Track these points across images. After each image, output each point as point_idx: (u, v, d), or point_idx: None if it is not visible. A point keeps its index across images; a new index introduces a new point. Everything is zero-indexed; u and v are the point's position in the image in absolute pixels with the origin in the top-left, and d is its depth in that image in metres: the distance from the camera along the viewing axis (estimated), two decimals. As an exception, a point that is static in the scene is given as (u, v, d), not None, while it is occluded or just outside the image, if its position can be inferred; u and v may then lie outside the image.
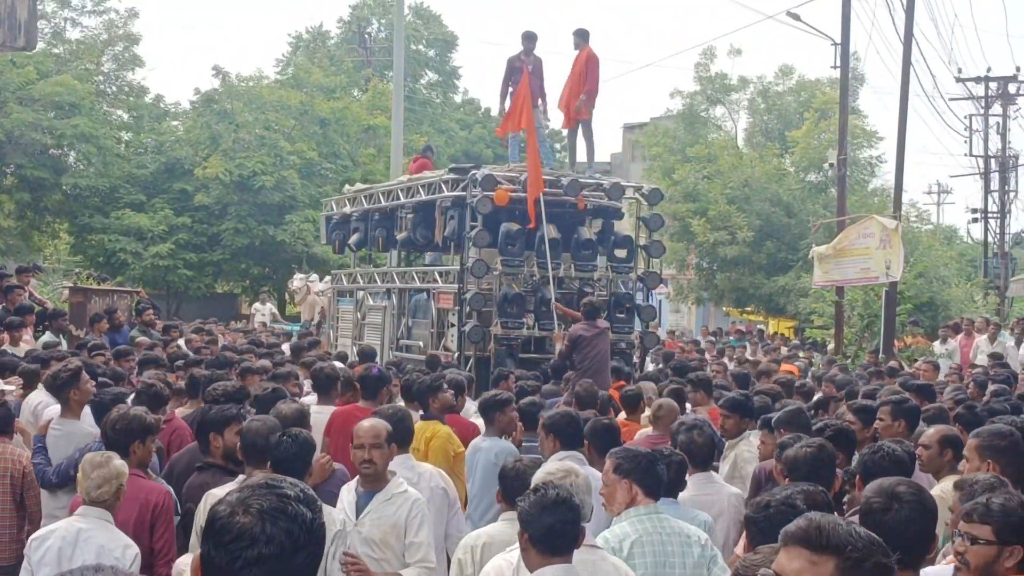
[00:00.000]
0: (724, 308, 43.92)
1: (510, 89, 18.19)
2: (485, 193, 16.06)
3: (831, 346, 27.40)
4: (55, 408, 8.98)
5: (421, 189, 18.21)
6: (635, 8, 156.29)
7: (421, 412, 9.45)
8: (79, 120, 37.89)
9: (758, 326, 40.67)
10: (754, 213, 37.12)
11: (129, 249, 38.39)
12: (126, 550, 5.46)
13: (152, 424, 6.65)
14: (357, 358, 15.29)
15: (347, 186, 24.58)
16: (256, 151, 39.67)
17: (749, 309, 41.58)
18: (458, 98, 59.73)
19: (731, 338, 32.58)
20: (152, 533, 6.19)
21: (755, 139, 47.03)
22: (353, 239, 20.73)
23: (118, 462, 5.93)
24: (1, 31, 18.22)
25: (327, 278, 27.45)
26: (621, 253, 17.62)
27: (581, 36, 17.78)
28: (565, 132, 21.24)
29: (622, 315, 16.86)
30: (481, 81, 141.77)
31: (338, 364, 12.81)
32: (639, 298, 17.94)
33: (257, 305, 34.70)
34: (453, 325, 16.87)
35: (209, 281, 42.48)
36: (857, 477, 6.09)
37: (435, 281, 17.80)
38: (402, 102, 30.94)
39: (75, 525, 5.69)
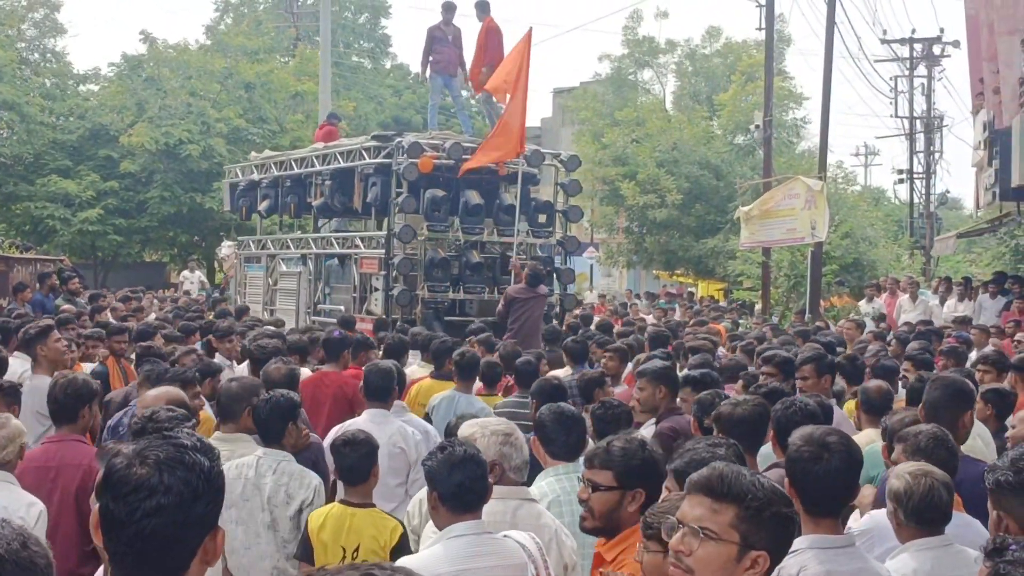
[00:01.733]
0: (654, 271, 44.16)
1: (433, 53, 18.87)
2: (411, 160, 16.40)
3: (758, 307, 27.71)
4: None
5: (339, 156, 18.41)
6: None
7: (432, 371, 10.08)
8: (1, 87, 37.21)
9: (688, 288, 40.99)
10: (683, 176, 37.32)
11: (57, 216, 37.79)
12: (30, 508, 5.42)
13: (97, 390, 6.69)
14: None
15: (253, 153, 24.65)
16: (183, 119, 39.20)
17: (679, 272, 41.86)
18: (388, 64, 59.36)
19: (661, 301, 32.80)
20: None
21: (683, 102, 47.23)
22: (263, 205, 20.98)
23: (16, 422, 5.86)
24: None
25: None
26: (541, 218, 18.08)
27: (481, 8, 18.55)
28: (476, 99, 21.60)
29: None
30: (412, 48, 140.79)
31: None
32: (558, 262, 18.51)
33: (186, 273, 34.35)
34: (377, 289, 17.16)
35: (138, 249, 42.02)
36: (771, 432, 6.18)
37: (356, 247, 17.95)
38: (329, 68, 30.80)
39: None
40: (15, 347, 10.74)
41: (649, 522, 3.91)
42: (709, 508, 3.14)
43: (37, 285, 18.57)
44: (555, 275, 18.02)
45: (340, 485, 6.37)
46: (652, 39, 48.07)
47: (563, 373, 10.57)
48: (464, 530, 4.55)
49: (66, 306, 17.10)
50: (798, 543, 4.06)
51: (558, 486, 5.70)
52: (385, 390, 7.88)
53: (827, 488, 4.26)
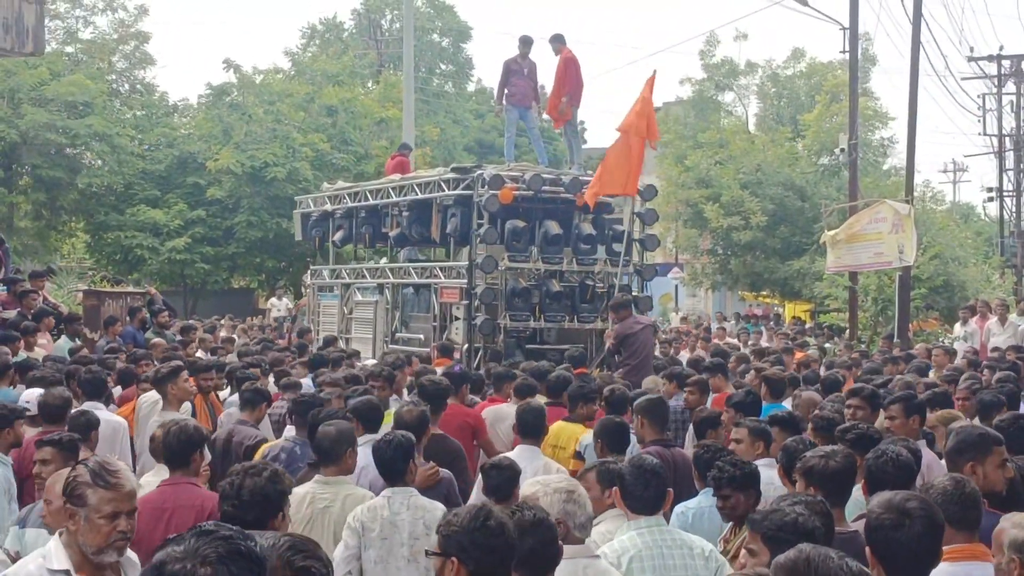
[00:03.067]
0: (739, 292, 43.79)
1: (504, 87, 19.21)
2: (492, 192, 16.58)
3: (847, 331, 27.34)
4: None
5: (417, 187, 18.60)
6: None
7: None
8: (93, 119, 37.97)
9: (775, 309, 40.58)
10: (767, 197, 36.91)
11: (146, 245, 38.46)
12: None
13: (207, 435, 7.15)
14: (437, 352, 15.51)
15: (325, 184, 25.00)
16: (268, 144, 39.71)
17: (764, 293, 41.46)
18: (471, 87, 59.71)
19: (749, 324, 32.45)
20: None
21: (766, 123, 46.87)
22: (337, 235, 21.22)
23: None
24: (9, 37, 18.33)
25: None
26: (618, 247, 18.03)
27: (557, 40, 18.76)
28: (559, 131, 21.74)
29: (621, 306, 17.34)
30: (494, 71, 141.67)
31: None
32: (635, 289, 18.56)
33: (273, 300, 34.81)
34: (458, 319, 17.33)
35: (225, 276, 42.54)
36: (863, 481, 6.09)
37: (435, 276, 18.15)
38: (413, 97, 31.06)
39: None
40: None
41: None
42: None
43: (128, 319, 18.88)
44: (633, 303, 18.04)
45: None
46: (731, 61, 47.82)
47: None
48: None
49: (156, 339, 17.38)
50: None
51: (640, 541, 5.64)
52: (537, 428, 8.59)
53: (910, 555, 4.19)
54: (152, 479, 6.63)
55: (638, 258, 18.69)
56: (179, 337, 18.60)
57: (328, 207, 21.52)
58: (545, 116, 21.56)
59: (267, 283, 43.78)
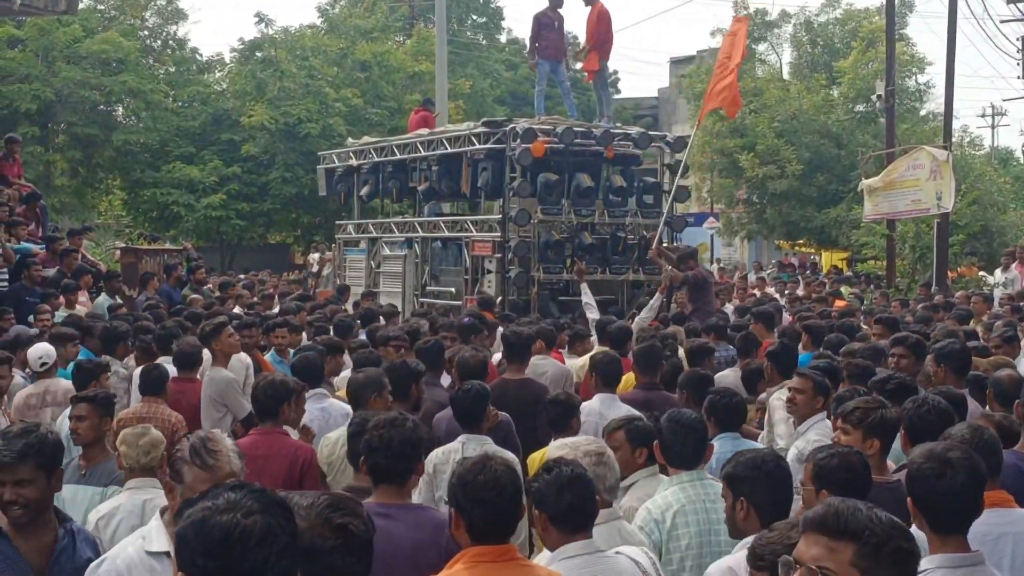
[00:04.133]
0: (776, 241, 43.53)
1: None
2: (525, 145, 16.58)
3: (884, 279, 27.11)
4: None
5: (446, 142, 18.65)
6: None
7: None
8: (127, 76, 38.14)
9: (812, 258, 40.31)
10: (803, 146, 36.66)
11: (181, 202, 38.71)
12: None
13: (299, 387, 7.34)
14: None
15: (350, 139, 24.93)
16: (301, 100, 39.74)
17: (801, 242, 41.21)
18: (503, 38, 59.32)
19: (784, 274, 32.18)
20: (301, 487, 6.51)
21: (801, 71, 46.37)
22: (364, 190, 21.30)
23: (156, 432, 6.13)
24: (43, -4, 18.34)
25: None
26: (649, 199, 18.17)
27: None
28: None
29: (651, 258, 17.41)
30: (525, 21, 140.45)
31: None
32: (665, 240, 18.39)
33: (314, 256, 34.86)
34: (490, 272, 17.38)
35: (261, 232, 42.70)
36: (903, 431, 6.04)
37: (466, 230, 18.17)
38: (445, 49, 30.93)
39: (137, 497, 5.81)
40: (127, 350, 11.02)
41: (759, 553, 3.82)
42: (826, 547, 3.03)
43: (165, 276, 18.97)
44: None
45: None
46: (765, 12, 47.34)
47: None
48: (576, 550, 4.46)
49: (193, 296, 17.48)
50: (926, 563, 3.98)
51: (683, 495, 5.59)
52: (614, 377, 8.75)
53: (952, 505, 4.15)
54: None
55: (668, 210, 18.67)
56: (217, 293, 18.71)
57: (353, 162, 21.53)
58: (578, 65, 21.48)
59: (302, 239, 43.93)
